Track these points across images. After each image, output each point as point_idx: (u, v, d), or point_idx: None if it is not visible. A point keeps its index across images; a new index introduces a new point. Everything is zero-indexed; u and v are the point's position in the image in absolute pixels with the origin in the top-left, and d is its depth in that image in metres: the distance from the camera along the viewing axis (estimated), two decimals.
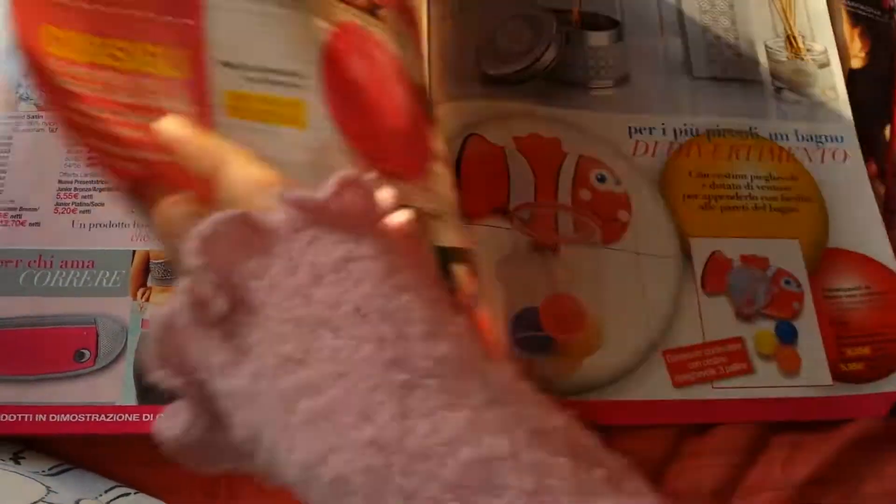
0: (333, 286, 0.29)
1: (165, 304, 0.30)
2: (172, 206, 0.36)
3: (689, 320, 0.58)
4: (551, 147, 0.62)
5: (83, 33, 0.38)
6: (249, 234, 0.30)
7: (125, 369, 0.51)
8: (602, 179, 0.61)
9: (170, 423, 0.32)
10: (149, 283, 0.54)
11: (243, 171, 0.35)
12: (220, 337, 0.29)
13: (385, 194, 0.32)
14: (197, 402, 0.31)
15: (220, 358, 0.29)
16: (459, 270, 0.47)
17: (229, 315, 0.29)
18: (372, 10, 0.47)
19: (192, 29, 0.39)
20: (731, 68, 0.67)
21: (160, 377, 0.31)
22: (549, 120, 0.63)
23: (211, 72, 0.40)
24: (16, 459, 0.49)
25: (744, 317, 0.59)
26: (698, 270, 0.60)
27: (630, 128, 0.63)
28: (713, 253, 0.60)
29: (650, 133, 0.63)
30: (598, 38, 0.66)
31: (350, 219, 0.31)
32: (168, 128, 0.37)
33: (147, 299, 0.53)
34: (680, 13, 0.68)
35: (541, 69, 0.64)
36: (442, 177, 0.49)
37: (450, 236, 0.48)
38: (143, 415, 0.50)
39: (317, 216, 0.30)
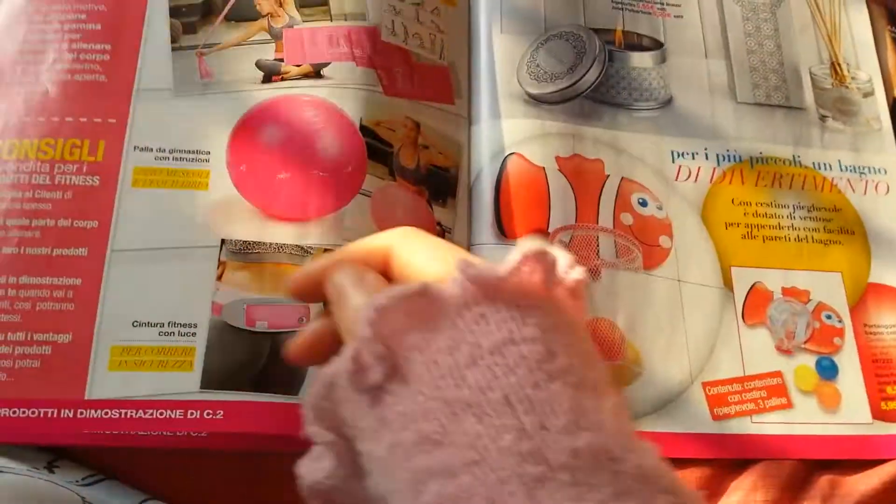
0: (487, 370, 0.29)
1: (331, 363, 0.32)
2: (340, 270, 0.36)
3: (730, 352, 0.57)
4: (594, 169, 0.60)
5: (21, 139, 0.54)
6: (423, 305, 0.30)
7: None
8: (644, 204, 0.60)
9: (312, 467, 0.33)
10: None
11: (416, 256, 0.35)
12: (368, 403, 0.30)
13: (564, 261, 0.33)
14: (343, 453, 0.32)
15: (366, 423, 0.31)
16: None
17: (382, 383, 0.30)
18: (314, 74, 0.58)
19: (114, 126, 0.55)
20: (776, 94, 0.65)
21: (314, 432, 0.33)
22: (592, 141, 0.61)
23: (125, 154, 0.54)
24: (50, 468, 0.48)
25: (783, 350, 0.58)
26: (739, 301, 0.59)
27: (673, 152, 0.62)
28: (754, 284, 0.59)
29: (693, 158, 0.62)
30: (642, 59, 0.65)
31: (522, 296, 0.31)
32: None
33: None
34: (725, 36, 0.67)
35: (583, 89, 0.62)
36: (359, 208, 0.55)
37: None
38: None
39: (490, 292, 0.31)
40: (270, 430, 0.48)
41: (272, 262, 0.53)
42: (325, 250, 0.53)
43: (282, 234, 0.54)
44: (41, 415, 0.48)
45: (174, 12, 0.59)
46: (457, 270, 0.31)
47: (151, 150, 0.55)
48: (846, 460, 0.55)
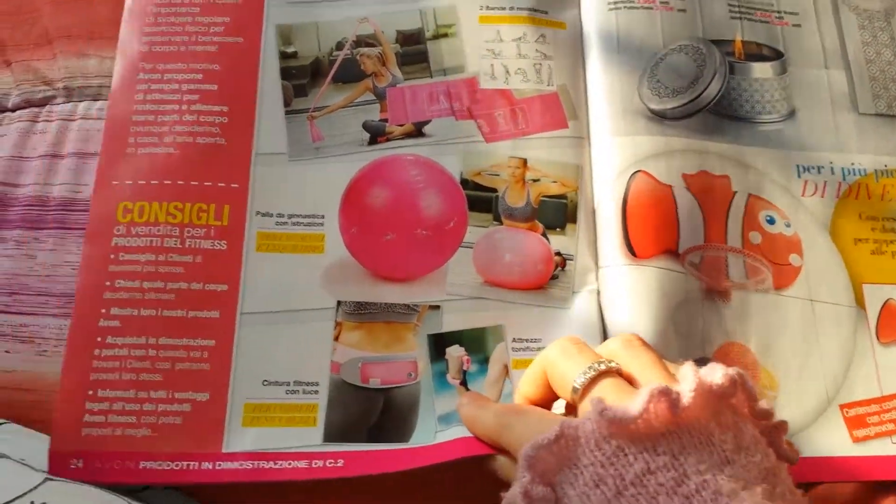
0: (633, 500, 0.34)
1: (513, 488, 0.37)
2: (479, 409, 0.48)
3: (866, 372, 0.56)
4: (721, 185, 0.59)
5: (150, 202, 0.55)
6: (564, 446, 0.36)
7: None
8: (771, 221, 0.59)
9: None
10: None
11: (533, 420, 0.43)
12: None
13: (688, 386, 0.37)
14: None
15: None
16: (455, 352, 0.54)
17: None
18: (416, 132, 0.60)
19: (237, 191, 0.57)
20: None
21: None
22: (717, 156, 0.60)
23: (248, 219, 0.56)
24: None
25: None
26: (872, 319, 0.58)
27: (798, 166, 0.61)
28: (887, 301, 0.58)
29: (818, 172, 0.61)
30: (763, 70, 0.63)
31: (652, 428, 0.36)
32: (465, 412, 0.48)
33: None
34: (843, 45, 0.65)
35: (705, 103, 0.61)
36: (462, 262, 0.57)
37: (456, 318, 0.56)
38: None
39: (624, 429, 0.36)
40: (383, 471, 0.51)
41: (383, 322, 0.55)
42: (431, 307, 0.56)
43: (390, 293, 0.56)
44: (184, 467, 0.50)
45: (285, 74, 0.61)
46: (592, 411, 0.36)
47: (272, 215, 0.57)
48: None
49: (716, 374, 0.38)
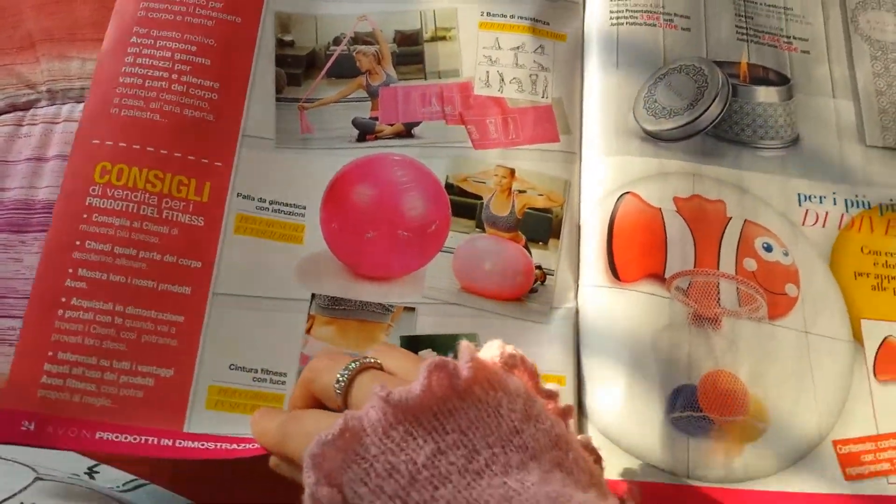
0: (426, 486, 0.33)
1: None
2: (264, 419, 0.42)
3: (862, 409, 0.54)
4: (714, 210, 0.57)
5: (130, 166, 0.54)
6: (350, 439, 0.34)
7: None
8: (769, 248, 0.56)
9: None
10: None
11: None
12: None
13: (465, 358, 0.37)
14: None
15: None
16: (428, 356, 0.50)
17: None
18: (406, 133, 0.59)
19: (220, 169, 0.56)
20: None
21: None
22: (714, 180, 0.58)
23: (228, 199, 0.55)
24: (90, 474, 0.50)
25: None
26: (870, 356, 0.55)
27: (800, 195, 0.59)
28: (886, 338, 0.55)
29: (820, 202, 0.58)
30: (768, 94, 0.61)
31: (439, 404, 0.35)
32: (254, 428, 0.43)
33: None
34: (853, 75, 0.63)
35: (704, 125, 0.59)
36: (441, 266, 0.56)
37: (430, 322, 0.54)
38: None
39: (411, 410, 0.35)
40: None
41: (356, 319, 0.54)
42: (406, 308, 0.55)
43: (366, 291, 0.55)
44: (142, 441, 0.49)
45: (279, 61, 0.60)
46: (375, 397, 0.35)
47: (253, 198, 0.56)
48: None
49: (492, 348, 0.39)
